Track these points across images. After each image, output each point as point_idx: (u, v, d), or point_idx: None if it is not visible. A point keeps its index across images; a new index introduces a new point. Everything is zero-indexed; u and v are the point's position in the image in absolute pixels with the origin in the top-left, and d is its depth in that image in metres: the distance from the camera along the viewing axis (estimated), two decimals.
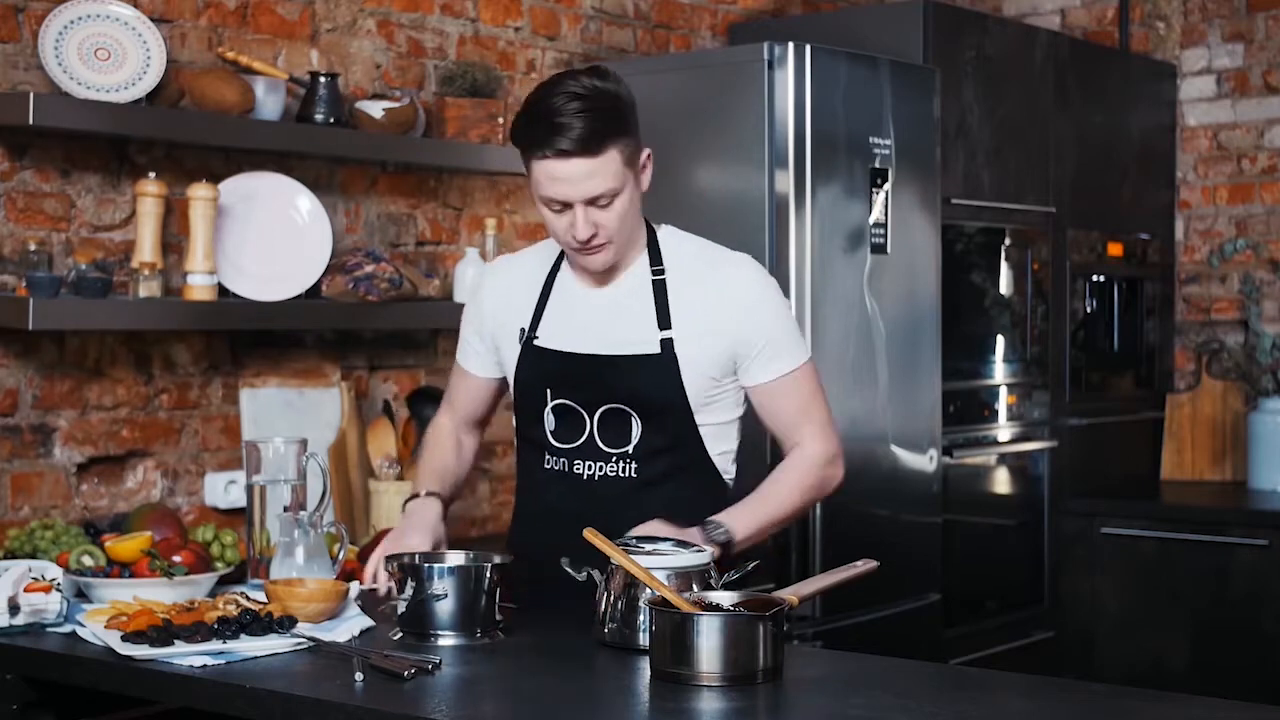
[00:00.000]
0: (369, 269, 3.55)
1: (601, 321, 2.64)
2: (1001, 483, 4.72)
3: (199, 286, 3.27)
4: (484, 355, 2.81)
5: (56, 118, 3.08)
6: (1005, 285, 4.67)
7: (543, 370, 2.66)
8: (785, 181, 3.79)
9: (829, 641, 3.77)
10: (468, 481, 4.06)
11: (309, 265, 3.53)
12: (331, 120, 3.53)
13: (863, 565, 2.45)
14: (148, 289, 3.21)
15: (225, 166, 3.51)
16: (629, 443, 2.62)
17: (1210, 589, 4.63)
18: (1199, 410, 5.18)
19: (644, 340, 2.60)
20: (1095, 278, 5.04)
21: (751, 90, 3.84)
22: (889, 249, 4.02)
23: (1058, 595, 4.83)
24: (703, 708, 2.08)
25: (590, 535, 2.36)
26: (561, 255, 2.72)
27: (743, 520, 2.59)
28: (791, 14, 4.95)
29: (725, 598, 2.27)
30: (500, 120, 3.89)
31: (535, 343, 2.68)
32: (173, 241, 3.40)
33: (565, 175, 2.48)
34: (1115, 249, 5.11)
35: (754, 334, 2.61)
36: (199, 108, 3.34)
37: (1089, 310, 5.03)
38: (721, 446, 2.68)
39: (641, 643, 2.31)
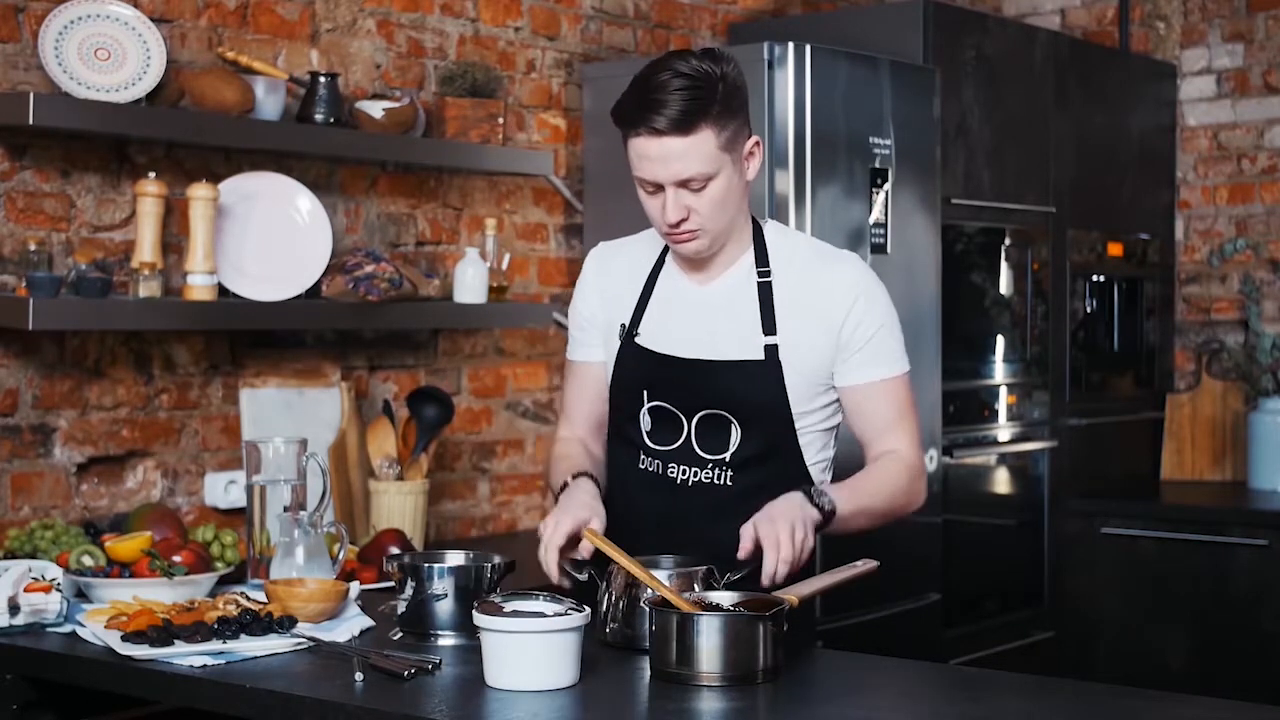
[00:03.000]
0: (369, 269, 3.55)
1: (704, 323, 2.55)
2: (1001, 483, 4.72)
3: (199, 286, 3.27)
4: (597, 341, 2.68)
5: (56, 118, 3.08)
6: (1005, 285, 4.67)
7: (641, 370, 2.58)
8: (785, 181, 3.78)
9: (829, 641, 3.76)
10: (470, 485, 4.10)
11: (309, 265, 3.53)
12: (331, 120, 3.53)
13: (863, 565, 2.44)
14: (148, 289, 3.20)
15: (225, 166, 3.51)
16: (727, 449, 2.52)
17: (1210, 589, 4.63)
18: (1199, 410, 5.18)
19: (747, 346, 2.52)
20: (1095, 278, 5.04)
21: (751, 90, 3.79)
22: (889, 249, 4.02)
23: (1058, 595, 4.83)
24: (703, 708, 2.08)
25: (589, 535, 2.36)
26: (667, 247, 2.62)
27: (843, 496, 2.46)
28: (791, 14, 4.95)
29: (725, 598, 2.27)
30: (500, 120, 3.89)
31: (636, 340, 2.59)
32: (173, 241, 3.40)
33: (656, 154, 2.41)
34: (1115, 249, 5.11)
35: (855, 334, 2.51)
36: (199, 108, 3.34)
37: (1089, 310, 5.03)
38: (819, 455, 2.59)
39: (642, 643, 2.31)
